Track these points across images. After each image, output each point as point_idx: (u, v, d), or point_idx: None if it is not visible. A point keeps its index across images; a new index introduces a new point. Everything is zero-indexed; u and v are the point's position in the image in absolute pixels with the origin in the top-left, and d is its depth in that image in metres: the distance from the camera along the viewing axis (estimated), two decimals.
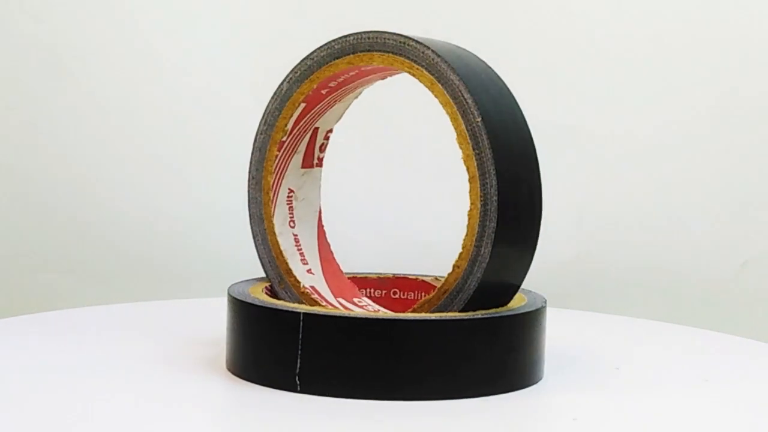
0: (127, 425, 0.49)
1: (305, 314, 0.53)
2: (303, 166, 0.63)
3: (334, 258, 0.64)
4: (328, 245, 0.64)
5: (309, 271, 0.62)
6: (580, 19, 0.95)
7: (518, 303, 0.59)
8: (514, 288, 0.57)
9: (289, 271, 0.61)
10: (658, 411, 0.54)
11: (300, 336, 0.53)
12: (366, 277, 0.67)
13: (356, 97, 0.63)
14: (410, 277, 0.67)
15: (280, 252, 0.62)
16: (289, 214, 0.63)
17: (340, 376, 0.53)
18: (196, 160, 0.96)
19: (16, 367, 0.58)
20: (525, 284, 0.68)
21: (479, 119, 0.54)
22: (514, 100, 0.57)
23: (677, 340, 0.73)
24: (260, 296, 0.58)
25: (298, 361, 0.53)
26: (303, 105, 0.61)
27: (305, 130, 0.62)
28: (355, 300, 0.62)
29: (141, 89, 0.95)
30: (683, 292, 0.95)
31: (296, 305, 0.56)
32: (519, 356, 0.57)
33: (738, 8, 0.94)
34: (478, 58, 0.58)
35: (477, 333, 0.54)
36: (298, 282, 0.61)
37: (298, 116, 0.62)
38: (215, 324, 0.63)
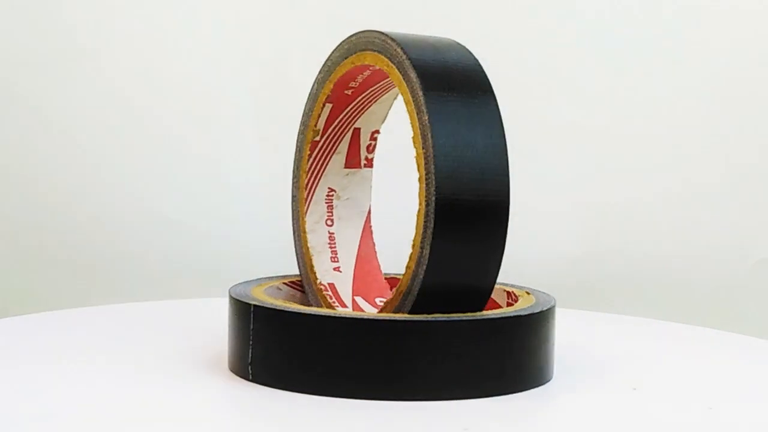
0: (132, 425, 0.50)
1: (257, 308, 0.54)
2: (347, 166, 0.64)
3: (375, 258, 0.64)
4: (372, 245, 0.64)
5: (336, 269, 0.63)
6: (586, 16, 0.93)
7: (527, 303, 0.59)
8: (477, 291, 0.55)
9: (311, 267, 0.63)
10: (667, 413, 0.53)
11: (252, 328, 0.55)
12: None
13: (395, 98, 0.63)
14: (500, 286, 0.66)
15: (307, 249, 0.63)
16: (327, 212, 0.64)
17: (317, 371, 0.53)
18: (201, 161, 0.96)
19: (19, 367, 0.58)
20: (531, 284, 0.67)
21: (426, 117, 0.53)
22: (488, 100, 0.55)
23: (687, 341, 0.72)
24: (260, 296, 0.58)
25: (250, 351, 0.55)
26: (330, 105, 0.62)
27: (342, 131, 0.63)
28: (376, 300, 0.63)
29: (146, 89, 0.95)
30: (694, 292, 0.93)
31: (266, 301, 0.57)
32: (528, 357, 0.56)
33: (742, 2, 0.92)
34: (465, 57, 0.57)
35: (475, 334, 0.54)
36: (316, 278, 0.62)
37: (329, 117, 0.63)
38: (219, 324, 0.64)
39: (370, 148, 0.64)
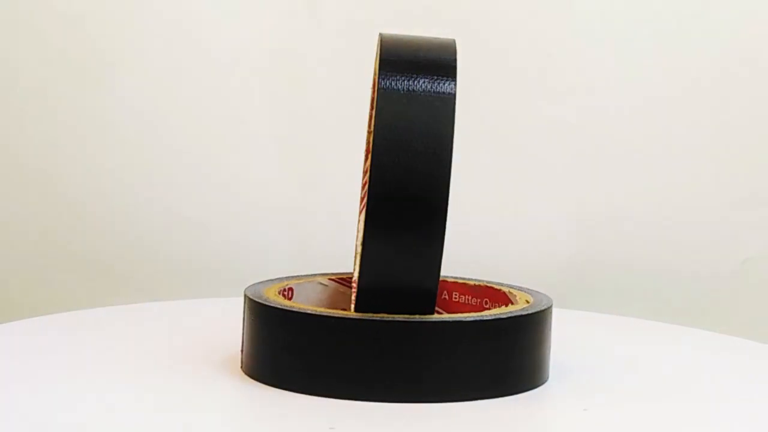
0: (142, 424, 0.51)
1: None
2: None
3: None
4: None
5: None
6: (581, 14, 0.92)
7: (523, 304, 0.58)
8: (417, 292, 0.54)
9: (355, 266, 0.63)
10: (662, 414, 0.54)
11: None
12: (465, 283, 0.66)
13: None
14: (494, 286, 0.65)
15: (356, 248, 0.64)
16: None
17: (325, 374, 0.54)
18: (213, 161, 0.95)
19: (32, 368, 0.58)
20: (524, 283, 0.66)
21: (373, 121, 0.53)
22: (445, 99, 0.54)
23: (678, 340, 0.72)
24: (275, 298, 0.58)
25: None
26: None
27: None
28: None
29: (163, 91, 0.95)
30: (682, 290, 0.92)
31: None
32: (525, 358, 0.56)
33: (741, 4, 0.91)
34: (440, 55, 0.55)
35: (475, 334, 0.54)
36: (336, 274, 0.64)
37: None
38: (233, 324, 0.63)
39: None
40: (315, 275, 0.65)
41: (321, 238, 0.92)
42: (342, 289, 0.65)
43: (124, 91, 0.94)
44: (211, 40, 0.95)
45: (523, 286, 0.64)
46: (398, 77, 0.54)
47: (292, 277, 0.65)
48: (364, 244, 0.53)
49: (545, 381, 0.58)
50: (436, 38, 0.56)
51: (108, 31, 0.94)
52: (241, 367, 0.58)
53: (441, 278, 0.60)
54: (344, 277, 0.65)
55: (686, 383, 0.60)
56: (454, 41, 0.56)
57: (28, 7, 0.94)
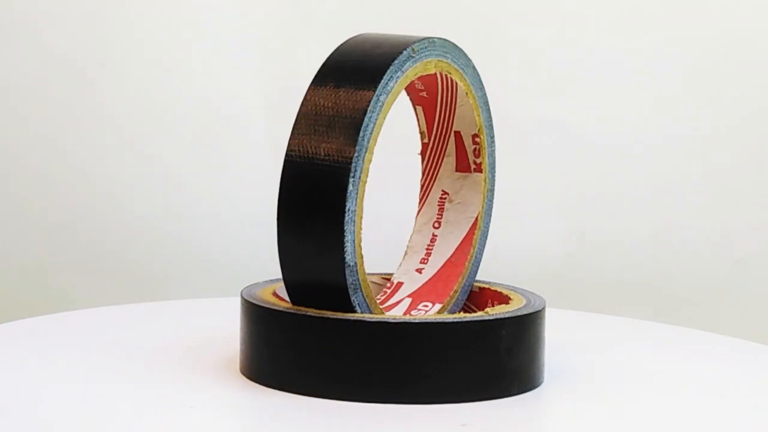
0: (140, 425, 0.51)
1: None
2: (457, 170, 0.64)
3: (463, 264, 0.63)
4: (467, 251, 0.63)
5: (419, 270, 0.63)
6: (571, 13, 0.94)
7: (517, 305, 0.58)
8: (328, 288, 0.55)
9: (399, 265, 0.64)
10: (658, 415, 0.54)
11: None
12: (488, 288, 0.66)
13: (472, 99, 0.62)
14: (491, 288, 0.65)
15: (408, 248, 0.64)
16: (438, 215, 0.64)
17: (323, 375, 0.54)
18: (211, 161, 0.96)
19: (29, 370, 0.58)
20: (516, 282, 0.66)
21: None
22: (359, 97, 0.55)
23: (672, 340, 0.72)
24: (269, 299, 0.58)
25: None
26: (420, 107, 0.63)
27: (445, 134, 0.63)
28: (421, 305, 0.62)
29: (167, 93, 0.96)
30: (675, 291, 0.94)
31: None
32: (519, 360, 0.56)
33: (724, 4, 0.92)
34: (376, 61, 0.56)
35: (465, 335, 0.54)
36: (389, 274, 0.64)
37: (426, 119, 0.63)
38: (231, 325, 0.63)
39: (476, 152, 0.63)
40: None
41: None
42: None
43: (122, 91, 0.95)
44: (202, 40, 0.96)
45: (517, 286, 0.64)
46: (322, 87, 0.55)
47: None
48: (278, 241, 0.55)
49: (541, 383, 0.58)
50: (394, 40, 0.57)
51: (100, 30, 0.95)
52: (240, 368, 0.59)
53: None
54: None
55: (681, 384, 0.60)
56: (409, 45, 0.57)
57: (23, 6, 0.94)
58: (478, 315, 0.56)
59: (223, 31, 0.96)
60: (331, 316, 0.54)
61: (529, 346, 0.57)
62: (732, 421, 0.54)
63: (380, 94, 0.55)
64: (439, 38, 0.58)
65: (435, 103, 0.63)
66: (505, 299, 0.61)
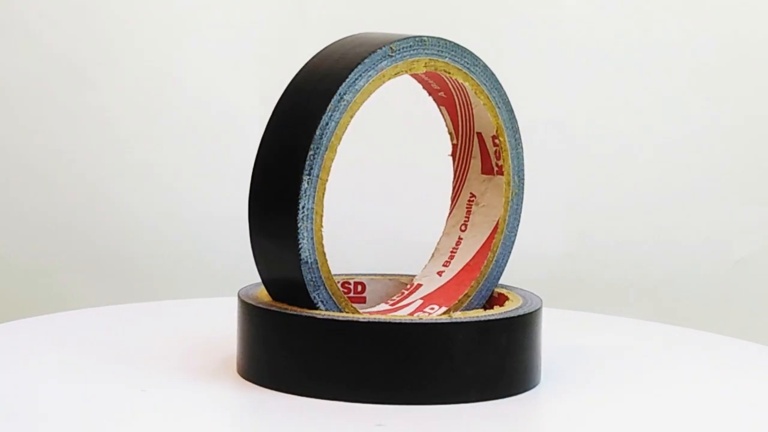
0: (136, 426, 0.51)
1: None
2: (482, 172, 0.63)
3: (479, 268, 0.62)
4: (486, 254, 0.62)
5: (439, 273, 0.63)
6: (571, 13, 0.94)
7: (514, 305, 0.57)
8: (289, 284, 0.55)
9: (424, 267, 0.64)
10: (656, 415, 0.54)
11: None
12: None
13: (484, 99, 0.61)
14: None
15: (436, 250, 0.64)
16: (465, 217, 0.63)
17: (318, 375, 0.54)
18: (208, 161, 0.95)
19: (26, 370, 0.58)
20: (514, 282, 0.65)
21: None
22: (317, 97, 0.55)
23: (671, 341, 0.72)
24: (266, 299, 0.58)
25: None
26: (443, 108, 0.62)
27: (469, 135, 0.63)
28: (428, 308, 0.62)
29: (151, 95, 0.95)
30: (675, 291, 0.94)
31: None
32: (515, 360, 0.55)
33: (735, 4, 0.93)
34: (331, 82, 0.56)
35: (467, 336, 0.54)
36: (412, 276, 0.64)
37: (451, 119, 0.63)
38: (227, 326, 0.62)
39: (497, 155, 0.62)
40: None
41: None
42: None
43: (121, 90, 0.97)
44: (200, 41, 0.97)
45: (514, 286, 0.63)
46: (298, 84, 0.56)
47: None
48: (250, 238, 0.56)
49: (537, 383, 0.57)
50: (377, 40, 0.57)
51: (98, 30, 0.97)
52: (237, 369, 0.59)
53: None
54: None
55: (681, 384, 0.60)
56: (387, 44, 0.57)
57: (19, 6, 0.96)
58: (474, 315, 0.56)
59: (222, 32, 0.97)
60: (328, 317, 0.54)
61: (526, 347, 0.57)
62: (732, 422, 0.54)
63: (345, 93, 0.55)
64: (432, 37, 0.58)
65: (454, 103, 0.62)
66: (502, 299, 0.61)
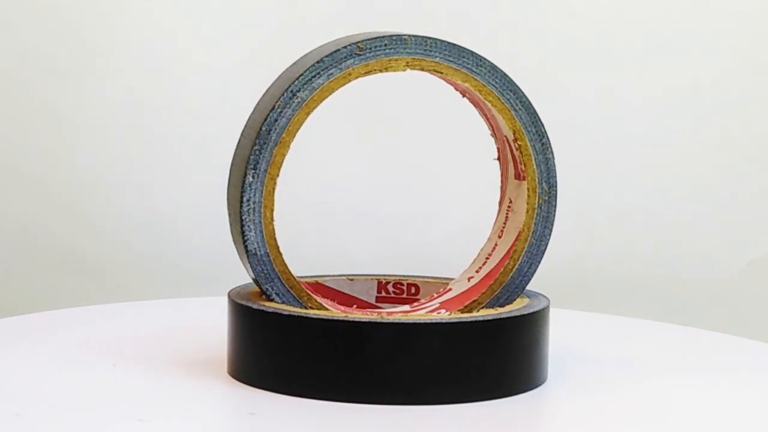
0: (127, 426, 0.51)
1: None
2: (515, 177, 0.62)
3: (494, 276, 0.60)
4: (504, 261, 0.60)
5: (470, 278, 0.62)
6: (580, 15, 0.94)
7: (520, 304, 0.57)
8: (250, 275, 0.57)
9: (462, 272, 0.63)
10: (663, 416, 0.54)
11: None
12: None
13: (494, 100, 0.59)
14: None
15: (478, 255, 0.62)
16: (503, 223, 0.62)
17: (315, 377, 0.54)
18: (203, 160, 0.95)
19: (17, 368, 0.59)
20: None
21: None
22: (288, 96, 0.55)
23: (681, 341, 0.71)
24: (257, 299, 0.58)
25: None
26: (478, 110, 0.61)
27: (502, 138, 0.61)
28: (437, 312, 0.61)
29: (153, 90, 0.93)
30: (687, 292, 0.94)
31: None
32: (522, 359, 0.55)
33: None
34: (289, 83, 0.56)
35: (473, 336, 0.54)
36: (447, 281, 0.63)
37: (487, 122, 0.61)
38: (217, 325, 0.62)
39: (520, 159, 0.60)
40: (305, 277, 0.64)
41: (312, 240, 0.93)
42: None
43: (106, 89, 0.96)
44: (194, 39, 0.96)
45: None
46: (261, 103, 0.58)
47: None
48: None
49: (544, 382, 0.58)
50: (351, 38, 0.57)
51: (89, 27, 0.96)
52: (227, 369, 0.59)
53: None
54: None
55: (688, 385, 0.60)
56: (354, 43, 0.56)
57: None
58: (481, 315, 0.55)
59: (219, 32, 0.96)
60: (320, 317, 0.54)
61: (532, 345, 0.56)
62: (744, 424, 0.54)
63: (299, 90, 0.55)
64: (417, 36, 0.57)
65: (479, 106, 0.61)
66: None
